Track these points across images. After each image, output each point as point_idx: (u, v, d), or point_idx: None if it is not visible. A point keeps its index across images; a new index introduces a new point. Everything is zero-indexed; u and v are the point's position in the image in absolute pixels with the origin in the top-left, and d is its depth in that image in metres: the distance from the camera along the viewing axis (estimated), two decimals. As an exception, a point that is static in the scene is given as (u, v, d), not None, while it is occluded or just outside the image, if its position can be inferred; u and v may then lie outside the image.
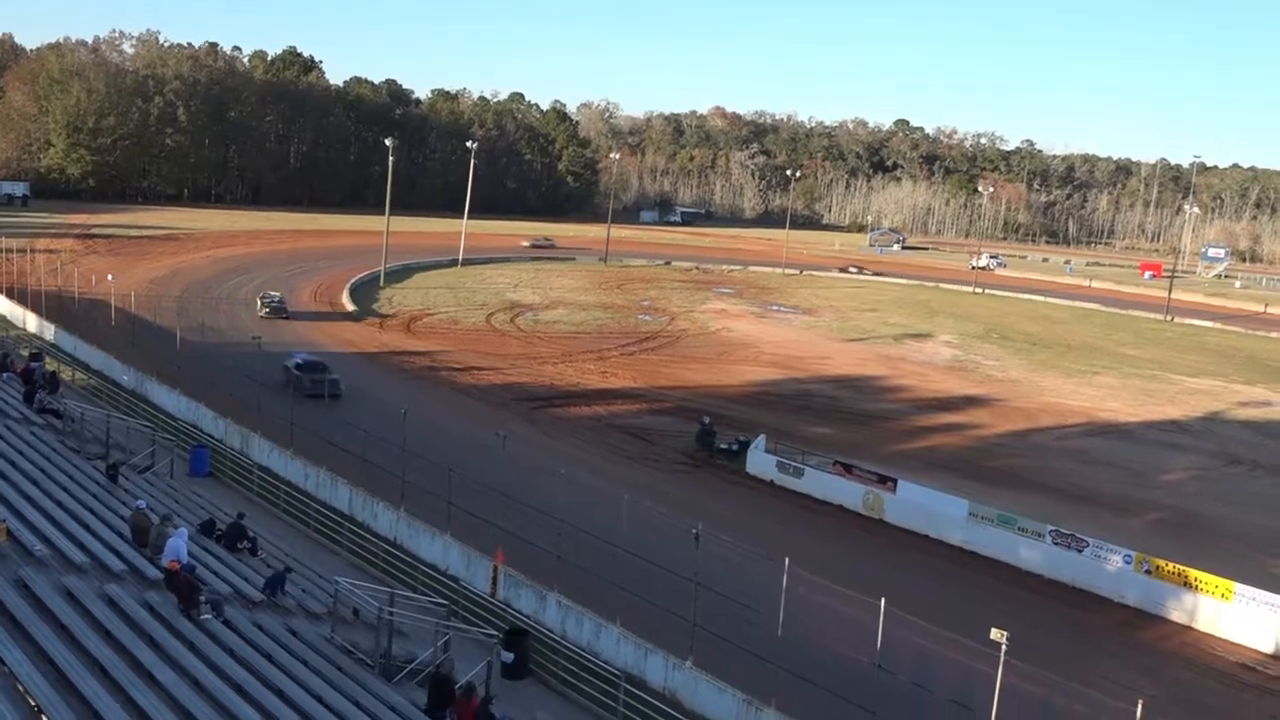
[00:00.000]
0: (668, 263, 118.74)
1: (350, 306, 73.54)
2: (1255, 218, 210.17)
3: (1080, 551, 33.14)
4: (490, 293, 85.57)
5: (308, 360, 50.00)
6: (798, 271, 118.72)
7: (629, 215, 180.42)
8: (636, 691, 22.84)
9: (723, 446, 44.31)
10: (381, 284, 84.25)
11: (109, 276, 63.71)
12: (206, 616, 18.44)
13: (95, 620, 16.47)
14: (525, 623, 25.74)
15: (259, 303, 68.89)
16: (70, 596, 17.10)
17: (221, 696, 15.07)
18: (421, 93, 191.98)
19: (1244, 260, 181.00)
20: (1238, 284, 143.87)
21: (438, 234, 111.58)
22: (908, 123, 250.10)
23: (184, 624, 17.77)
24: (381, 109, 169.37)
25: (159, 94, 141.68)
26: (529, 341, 67.82)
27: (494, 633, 23.97)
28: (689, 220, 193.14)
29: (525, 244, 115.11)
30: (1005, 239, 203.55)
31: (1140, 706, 21.03)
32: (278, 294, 70.94)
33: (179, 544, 20.32)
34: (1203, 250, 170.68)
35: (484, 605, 26.74)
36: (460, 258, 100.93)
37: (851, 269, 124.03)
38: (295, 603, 22.71)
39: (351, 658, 20.11)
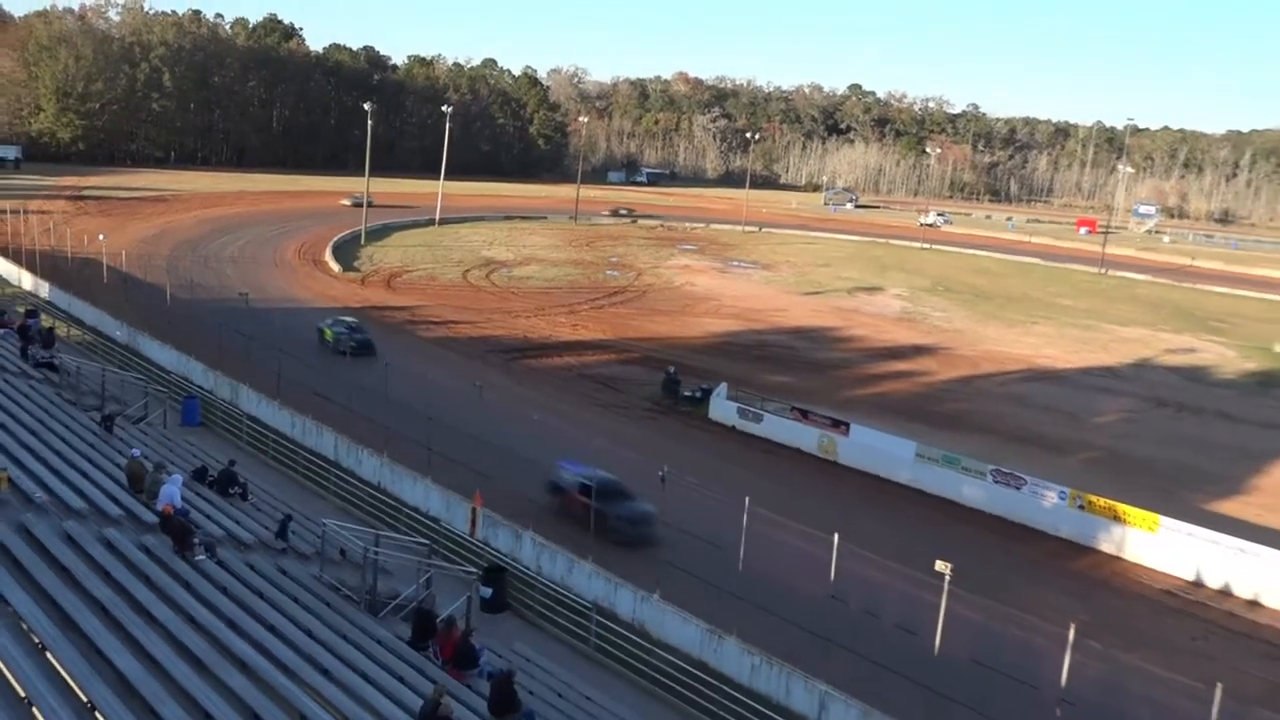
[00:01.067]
0: (634, 221, 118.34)
1: (335, 266, 72.76)
2: (1183, 176, 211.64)
3: (1019, 489, 33.57)
4: (466, 250, 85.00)
5: (606, 482, 30.04)
6: (757, 229, 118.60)
7: (597, 176, 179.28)
8: (607, 622, 23.07)
9: (687, 394, 44.46)
10: (362, 242, 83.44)
11: (100, 236, 62.71)
12: (201, 557, 18.42)
13: (95, 562, 16.40)
14: (502, 560, 25.87)
15: (325, 333, 48.67)
16: (70, 540, 17.01)
17: (216, 631, 15.08)
18: (398, 59, 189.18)
19: (1172, 216, 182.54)
20: (1167, 239, 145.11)
21: (415, 194, 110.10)
22: (860, 87, 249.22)
23: (179, 565, 17.74)
24: (360, 75, 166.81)
25: (145, 60, 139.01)
26: (503, 296, 67.51)
27: (473, 570, 24.03)
28: (654, 180, 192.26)
29: (345, 202, 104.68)
30: (951, 197, 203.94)
31: (1072, 629, 21.47)
32: (353, 318, 51.03)
33: (173, 489, 20.24)
34: (1134, 207, 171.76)
35: (463, 544, 26.83)
36: (437, 217, 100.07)
37: (621, 210, 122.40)
38: (285, 544, 22.70)
39: (339, 594, 20.14)
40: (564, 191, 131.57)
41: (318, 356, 45.62)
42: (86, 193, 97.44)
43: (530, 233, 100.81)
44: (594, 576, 24.72)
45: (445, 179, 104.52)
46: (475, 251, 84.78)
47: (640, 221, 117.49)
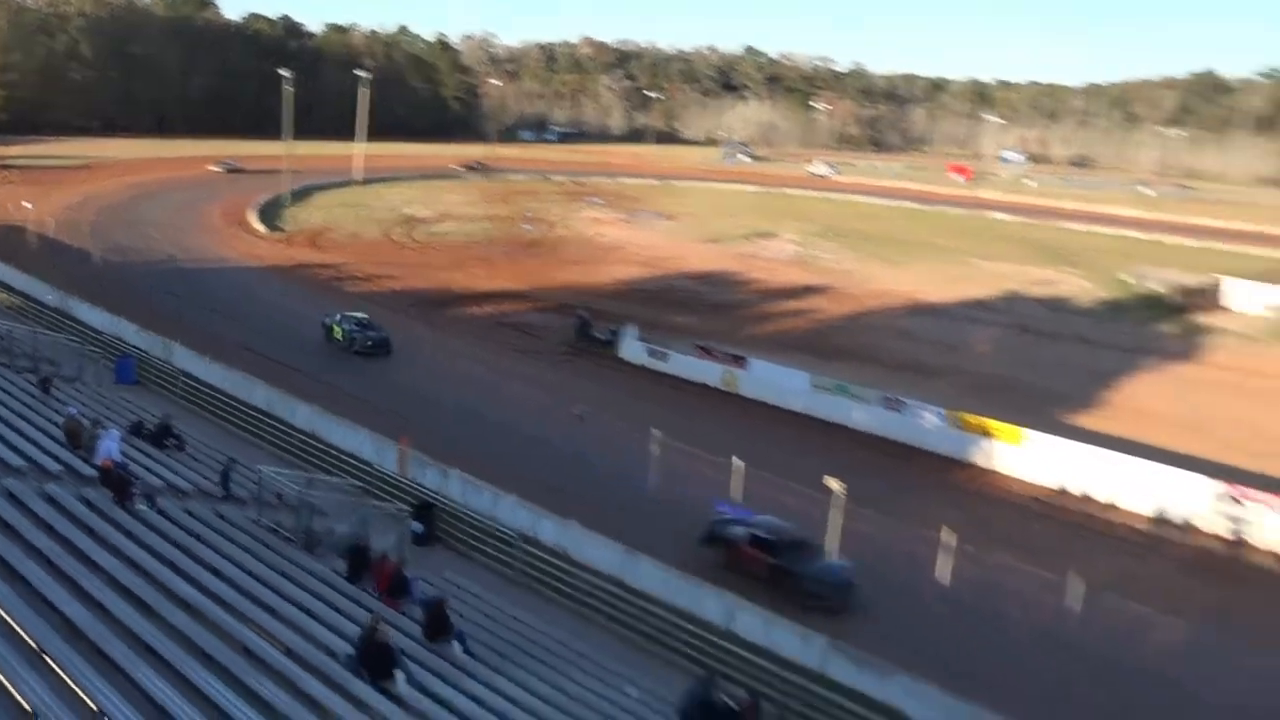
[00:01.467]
0: (546, 177, 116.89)
1: (260, 227, 70.70)
2: (1046, 126, 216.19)
3: (901, 412, 34.46)
4: (386, 209, 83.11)
5: (780, 531, 24.13)
6: (660, 182, 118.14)
7: (509, 135, 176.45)
8: (531, 549, 23.26)
9: (598, 337, 44.42)
10: (286, 204, 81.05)
11: (25, 204, 60.02)
12: (141, 507, 18.02)
13: (37, 517, 15.90)
14: (431, 497, 25.78)
15: (334, 331, 41.28)
16: (12, 497, 16.45)
17: (159, 575, 14.80)
18: (315, 27, 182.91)
19: (1036, 162, 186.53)
20: (1031, 182, 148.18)
21: (334, 157, 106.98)
22: (754, 49, 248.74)
23: (120, 515, 17.32)
24: (278, 42, 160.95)
25: (63, 31, 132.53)
26: (423, 252, 66.46)
27: (404, 507, 23.98)
28: (564, 138, 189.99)
29: (215, 168, 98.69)
30: (839, 149, 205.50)
31: (948, 535, 22.27)
32: (363, 314, 42.94)
33: (111, 444, 19.72)
34: (1000, 154, 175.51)
35: (394, 484, 26.64)
36: (357, 178, 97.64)
37: (475, 164, 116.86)
38: (228, 491, 22.27)
39: (277, 536, 19.90)
40: (477, 151, 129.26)
41: (319, 350, 44.29)
42: (10, 162, 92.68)
43: (447, 190, 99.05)
44: (518, 508, 24.81)
45: (362, 141, 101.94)
46: (395, 209, 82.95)
47: (551, 178, 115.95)
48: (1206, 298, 60.88)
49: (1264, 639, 22.64)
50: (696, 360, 40.38)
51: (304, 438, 29.61)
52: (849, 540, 23.77)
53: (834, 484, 23.39)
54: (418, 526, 23.85)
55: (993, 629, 22.10)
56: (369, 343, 40.43)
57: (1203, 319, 57.33)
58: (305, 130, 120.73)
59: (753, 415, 36.74)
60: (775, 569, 22.97)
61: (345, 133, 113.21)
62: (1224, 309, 59.72)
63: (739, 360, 39.24)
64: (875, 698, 18.43)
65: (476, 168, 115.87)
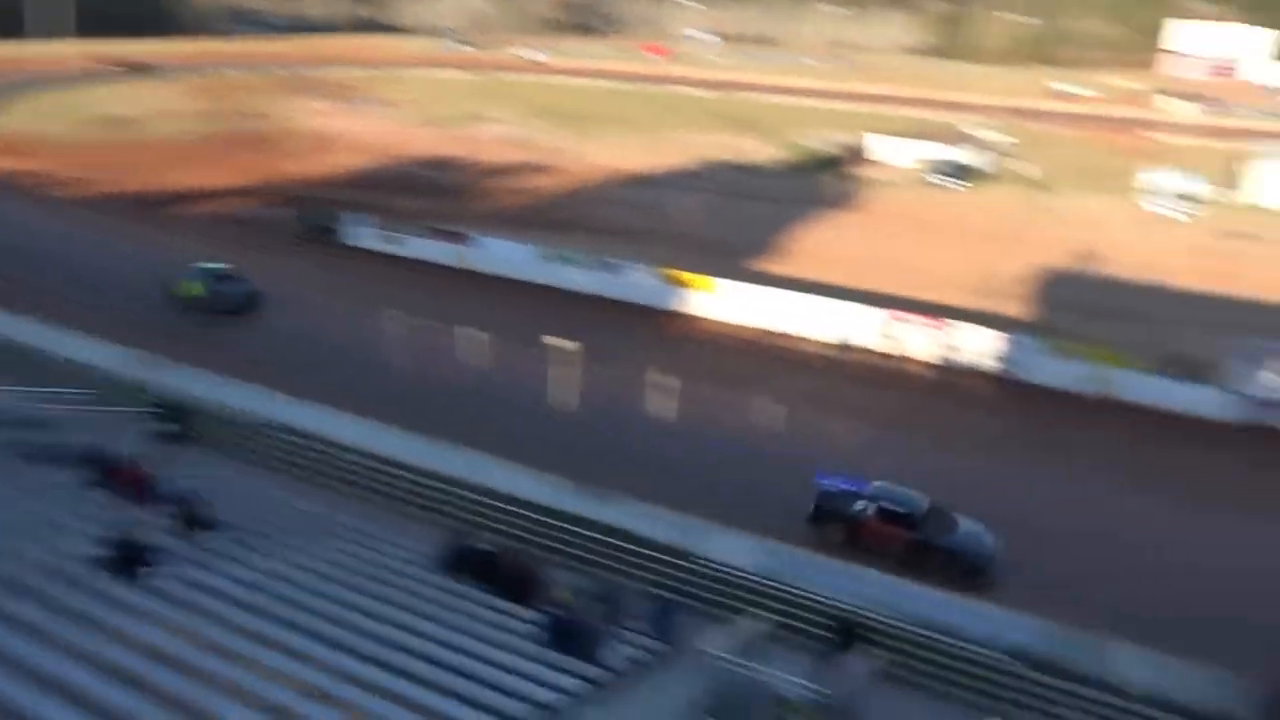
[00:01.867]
0: (264, 70, 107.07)
1: None
2: (729, 8, 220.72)
3: (616, 273, 35.28)
4: (96, 110, 73.57)
5: (906, 500, 19.59)
6: (380, 71, 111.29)
7: (222, 29, 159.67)
8: (286, 437, 22.41)
9: (326, 225, 41.95)
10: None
11: None
12: None
13: None
14: (181, 398, 24.01)
15: (187, 289, 31.49)
16: None
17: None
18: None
19: (723, 40, 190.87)
20: (718, 60, 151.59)
21: (40, 60, 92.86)
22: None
23: None
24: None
25: None
26: (136, 152, 59.51)
27: (149, 411, 22.26)
28: (280, 30, 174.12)
29: None
30: (547, 34, 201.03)
31: (654, 372, 23.33)
32: (221, 264, 32.59)
33: None
34: (688, 34, 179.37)
35: (138, 389, 24.56)
36: (60, 80, 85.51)
37: (138, 64, 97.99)
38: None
39: (12, 454, 17.98)
40: (190, 47, 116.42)
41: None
42: None
43: (161, 90, 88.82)
44: (269, 399, 23.73)
45: (67, 40, 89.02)
46: (105, 111, 73.61)
47: (270, 71, 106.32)
48: (863, 155, 65.55)
49: (939, 437, 25.41)
50: (430, 241, 39.28)
51: (27, 351, 26.56)
52: (589, 392, 24.49)
53: (562, 342, 23.88)
54: (170, 428, 22.26)
55: (707, 451, 23.53)
56: (239, 299, 31.61)
57: (861, 173, 61.78)
58: (8, 31, 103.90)
59: (488, 288, 36.37)
60: (913, 544, 19.08)
61: (54, 32, 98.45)
62: (878, 163, 64.55)
63: (467, 239, 38.57)
64: (605, 521, 19.46)
65: (141, 68, 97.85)
